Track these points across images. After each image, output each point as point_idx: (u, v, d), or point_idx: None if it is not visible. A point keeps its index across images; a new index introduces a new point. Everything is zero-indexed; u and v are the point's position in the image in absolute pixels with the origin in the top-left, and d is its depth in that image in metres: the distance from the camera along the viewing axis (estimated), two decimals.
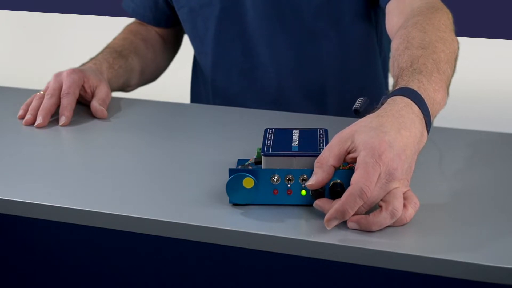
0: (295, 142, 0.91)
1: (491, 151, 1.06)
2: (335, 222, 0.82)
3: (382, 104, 0.90)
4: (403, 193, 0.84)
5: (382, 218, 0.82)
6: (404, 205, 0.83)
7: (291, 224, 0.84)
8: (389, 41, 1.43)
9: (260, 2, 1.32)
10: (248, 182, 0.87)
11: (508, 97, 2.82)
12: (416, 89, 0.91)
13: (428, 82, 0.93)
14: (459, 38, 1.10)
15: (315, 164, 0.85)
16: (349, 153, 0.84)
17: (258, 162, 0.91)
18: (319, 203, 0.85)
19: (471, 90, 2.78)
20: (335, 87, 1.37)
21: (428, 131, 0.90)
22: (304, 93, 1.37)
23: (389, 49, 1.44)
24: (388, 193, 0.83)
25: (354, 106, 0.95)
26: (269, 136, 0.94)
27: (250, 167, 0.89)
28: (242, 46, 1.37)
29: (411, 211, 0.84)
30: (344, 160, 0.85)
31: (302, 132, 0.94)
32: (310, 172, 0.86)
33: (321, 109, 1.37)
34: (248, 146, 1.04)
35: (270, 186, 0.87)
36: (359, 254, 0.79)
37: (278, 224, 0.84)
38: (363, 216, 0.82)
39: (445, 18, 1.10)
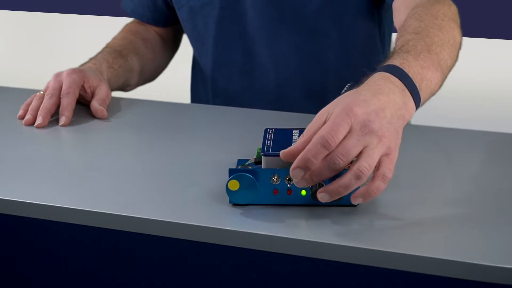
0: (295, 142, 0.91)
1: (491, 151, 1.06)
2: (300, 172, 0.80)
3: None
4: (382, 157, 0.82)
5: (347, 178, 0.80)
6: (373, 177, 0.81)
7: (291, 224, 0.84)
8: (392, 39, 1.43)
9: (260, 1, 1.32)
10: (234, 185, 0.87)
11: (508, 97, 2.82)
12: (398, 64, 0.90)
13: (415, 59, 0.92)
14: None
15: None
16: None
17: (258, 162, 0.91)
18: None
19: (471, 90, 2.78)
20: (336, 87, 1.36)
21: (416, 104, 0.88)
22: (305, 93, 1.37)
23: None
24: (360, 152, 0.81)
25: (342, 91, 0.95)
26: (269, 136, 0.94)
27: (250, 167, 0.89)
28: (242, 45, 1.37)
29: (378, 184, 0.81)
30: None
31: (302, 132, 0.94)
32: None
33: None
34: (248, 146, 1.04)
35: (270, 186, 0.87)
36: (359, 254, 0.79)
37: (278, 224, 0.84)
38: (330, 183, 0.81)
39: (446, 9, 1.09)
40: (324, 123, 0.83)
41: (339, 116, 0.80)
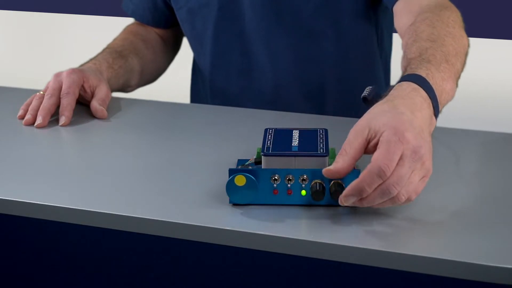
0: (295, 142, 0.91)
1: (491, 151, 1.06)
2: (352, 199, 0.81)
3: (389, 91, 0.90)
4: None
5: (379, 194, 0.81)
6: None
7: (291, 224, 0.84)
8: (390, 42, 1.43)
9: (258, 2, 1.31)
10: (240, 180, 0.87)
11: (508, 97, 2.82)
12: (424, 75, 0.91)
13: (437, 71, 0.93)
14: None
15: (337, 156, 0.84)
16: (369, 142, 0.83)
17: (258, 162, 0.91)
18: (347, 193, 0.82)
19: (471, 90, 2.78)
20: (334, 87, 1.37)
21: (436, 117, 0.90)
22: (303, 94, 1.37)
23: (390, 51, 1.44)
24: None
25: (363, 94, 0.95)
26: (269, 136, 0.94)
27: (250, 167, 0.89)
28: (241, 46, 1.37)
29: (402, 203, 0.83)
30: (367, 151, 0.84)
31: (302, 132, 0.94)
32: (310, 172, 0.86)
33: (320, 109, 1.37)
34: (248, 146, 1.04)
35: (270, 186, 0.87)
36: (359, 254, 0.79)
37: (278, 224, 0.84)
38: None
39: (454, 16, 1.11)
40: (367, 140, 0.83)
41: (392, 143, 0.80)
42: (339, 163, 0.83)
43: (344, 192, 0.81)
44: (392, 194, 0.80)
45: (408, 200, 0.82)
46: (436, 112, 0.90)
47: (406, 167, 0.80)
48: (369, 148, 0.83)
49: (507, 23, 2.54)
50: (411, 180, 0.81)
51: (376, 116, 0.84)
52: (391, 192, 0.80)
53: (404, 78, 0.91)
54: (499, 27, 2.55)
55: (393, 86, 0.91)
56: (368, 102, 0.93)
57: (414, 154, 0.81)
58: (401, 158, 0.80)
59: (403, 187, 0.80)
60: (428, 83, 0.90)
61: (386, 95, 0.89)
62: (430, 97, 0.89)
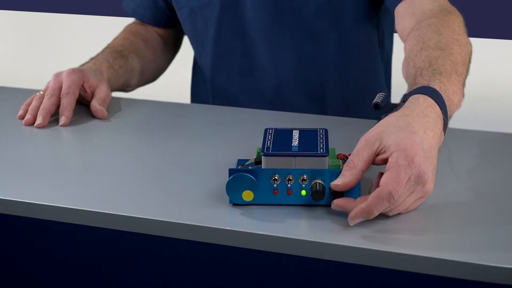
0: (295, 142, 0.91)
1: (491, 151, 1.06)
2: (359, 220, 0.82)
3: (404, 101, 0.90)
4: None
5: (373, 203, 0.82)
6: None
7: (291, 224, 0.84)
8: (391, 43, 1.43)
9: (260, 2, 1.31)
10: (248, 195, 0.87)
11: (508, 97, 2.82)
12: (438, 89, 0.91)
13: (448, 83, 0.94)
14: None
15: (344, 167, 0.85)
16: (378, 154, 0.84)
17: (258, 162, 0.91)
18: (338, 203, 0.84)
19: (471, 90, 2.77)
20: (335, 88, 1.37)
21: (444, 132, 0.90)
22: (304, 94, 1.37)
23: (391, 51, 1.44)
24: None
25: (375, 101, 0.95)
26: (269, 136, 0.94)
27: (250, 167, 0.89)
28: (242, 46, 1.37)
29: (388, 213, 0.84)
30: (373, 163, 0.85)
31: (302, 132, 0.94)
32: (310, 172, 0.86)
33: (321, 110, 1.37)
34: (248, 146, 1.04)
35: (270, 186, 0.87)
36: (359, 254, 0.79)
37: (278, 224, 0.84)
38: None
39: (459, 21, 1.11)
40: (375, 153, 0.84)
41: (402, 168, 0.81)
42: (347, 178, 0.84)
43: (352, 213, 0.82)
44: (385, 210, 0.83)
45: (398, 214, 0.84)
46: (445, 127, 0.90)
47: (405, 189, 0.82)
48: (375, 161, 0.85)
49: (507, 23, 2.54)
50: (406, 200, 0.83)
51: (389, 130, 0.85)
52: (385, 209, 0.82)
53: (419, 90, 0.91)
54: (499, 27, 2.55)
55: (407, 96, 0.91)
56: (380, 109, 0.94)
57: (418, 178, 0.82)
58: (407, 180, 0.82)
59: (396, 206, 0.82)
60: (442, 98, 0.91)
61: (401, 106, 0.90)
62: (443, 114, 0.90)
